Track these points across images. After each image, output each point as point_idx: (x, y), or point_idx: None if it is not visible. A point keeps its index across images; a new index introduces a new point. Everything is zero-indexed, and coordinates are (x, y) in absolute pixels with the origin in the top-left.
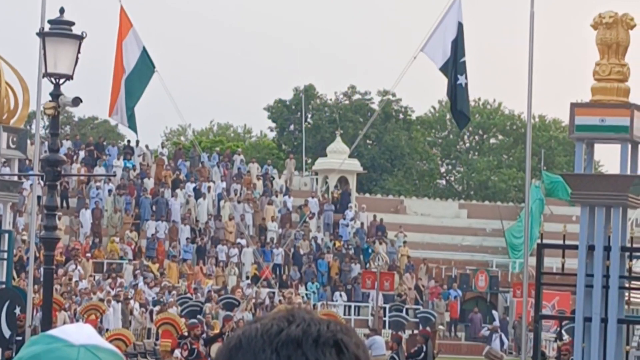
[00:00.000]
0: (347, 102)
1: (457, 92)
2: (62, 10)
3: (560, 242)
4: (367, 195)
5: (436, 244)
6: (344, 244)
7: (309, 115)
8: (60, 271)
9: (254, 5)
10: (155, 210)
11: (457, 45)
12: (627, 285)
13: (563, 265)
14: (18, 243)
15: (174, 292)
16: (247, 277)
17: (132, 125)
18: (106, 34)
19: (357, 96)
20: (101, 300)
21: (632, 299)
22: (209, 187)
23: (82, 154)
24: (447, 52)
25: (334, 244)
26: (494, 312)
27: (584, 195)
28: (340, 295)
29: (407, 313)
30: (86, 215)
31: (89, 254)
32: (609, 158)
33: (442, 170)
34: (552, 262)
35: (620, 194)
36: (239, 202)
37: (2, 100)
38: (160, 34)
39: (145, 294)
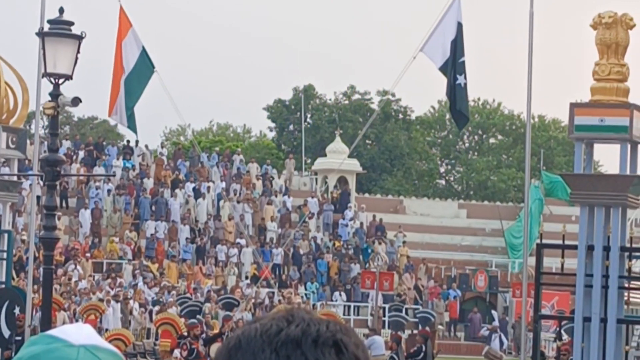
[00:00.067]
0: (346, 102)
1: (456, 92)
2: (61, 10)
3: (560, 242)
4: (367, 195)
5: (435, 244)
6: (344, 244)
7: (309, 115)
8: (60, 271)
9: (253, 5)
10: (155, 210)
11: (457, 45)
12: (626, 285)
13: (562, 265)
14: (17, 243)
15: (173, 292)
16: (247, 277)
17: (132, 126)
18: (106, 34)
19: (356, 96)
20: (100, 300)
21: (631, 299)
22: (209, 187)
23: (81, 154)
24: (446, 52)
25: (334, 244)
26: (493, 312)
27: (583, 195)
28: (340, 295)
29: (406, 313)
30: (85, 215)
31: (88, 254)
32: (608, 158)
33: (442, 170)
34: (551, 262)
35: (620, 194)
36: (238, 202)
37: (2, 100)
38: (159, 34)
39: (144, 294)
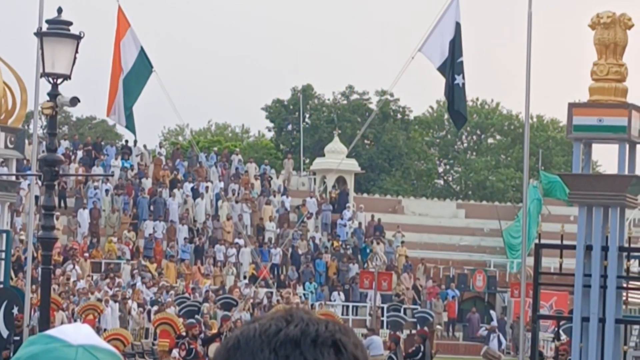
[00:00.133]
0: (345, 102)
1: (454, 92)
2: (59, 10)
3: (558, 242)
4: (365, 195)
5: (434, 244)
6: (342, 244)
7: (307, 115)
8: (58, 271)
9: (252, 5)
10: (153, 210)
11: (455, 46)
12: (624, 285)
13: (561, 265)
14: (16, 243)
15: (171, 292)
16: (245, 277)
17: (131, 126)
18: (104, 34)
19: (355, 96)
20: (99, 300)
21: (629, 299)
22: (207, 187)
23: (80, 153)
24: (444, 52)
25: (332, 244)
26: (491, 312)
27: (581, 195)
28: (338, 295)
29: (405, 313)
30: (84, 215)
31: (86, 254)
32: (606, 158)
33: (440, 170)
34: (549, 262)
35: (618, 194)
36: (236, 202)
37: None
38: (158, 33)
39: (143, 294)
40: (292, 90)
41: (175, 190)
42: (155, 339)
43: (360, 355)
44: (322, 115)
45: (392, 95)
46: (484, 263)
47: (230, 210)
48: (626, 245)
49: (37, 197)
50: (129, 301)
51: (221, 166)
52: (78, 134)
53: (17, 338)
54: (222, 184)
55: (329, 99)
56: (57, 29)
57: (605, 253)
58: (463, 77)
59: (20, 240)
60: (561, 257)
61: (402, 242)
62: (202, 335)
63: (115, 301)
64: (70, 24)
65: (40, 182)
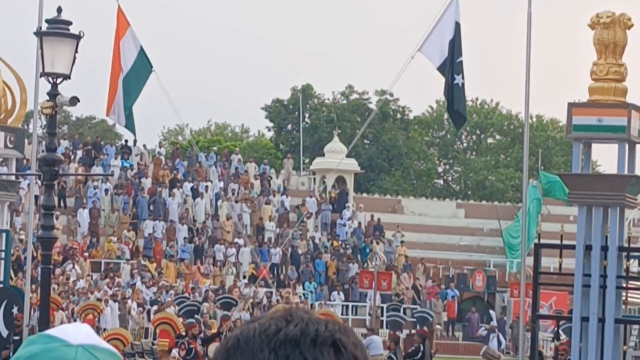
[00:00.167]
0: (344, 101)
1: (454, 92)
2: (59, 10)
3: (558, 242)
4: (365, 195)
5: (434, 243)
6: (342, 244)
7: (307, 115)
8: (58, 271)
9: (251, 5)
10: (153, 210)
11: (454, 45)
12: (624, 285)
13: (560, 265)
14: (15, 242)
15: (171, 291)
16: (245, 277)
17: (130, 125)
18: (104, 34)
19: (354, 96)
20: (99, 299)
21: (629, 299)
22: (207, 187)
23: (79, 153)
24: (444, 52)
25: (332, 244)
26: (491, 311)
27: (581, 195)
28: (338, 295)
29: (404, 313)
30: (84, 215)
31: (86, 254)
32: (606, 158)
33: (440, 170)
34: (549, 262)
35: (618, 194)
36: (236, 201)
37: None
38: (157, 33)
39: (142, 294)
40: (291, 90)
41: (175, 190)
42: (154, 339)
43: (360, 355)
44: (321, 115)
45: (391, 95)
46: (484, 263)
47: (230, 210)
48: (626, 245)
49: (36, 197)
50: (129, 301)
51: (221, 166)
52: (78, 134)
53: (16, 338)
54: (221, 184)
55: (328, 99)
56: (57, 29)
57: (604, 253)
58: (462, 77)
59: (19, 240)
60: (561, 257)
61: (402, 242)
62: (201, 335)
63: (115, 301)
64: (70, 23)
65: (39, 182)
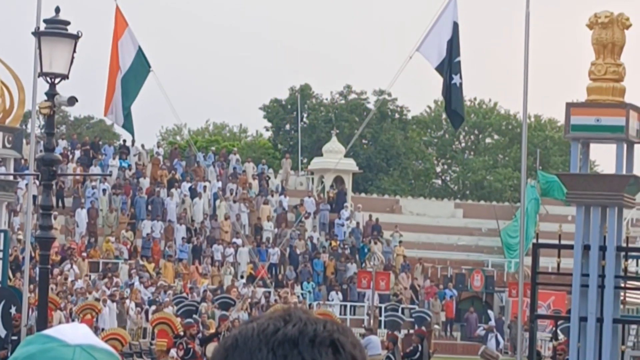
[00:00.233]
0: (342, 101)
1: (451, 92)
2: (57, 10)
3: (556, 241)
4: (363, 194)
5: (432, 243)
6: (340, 244)
7: (305, 115)
8: (56, 271)
9: (250, 5)
10: (151, 210)
11: (452, 45)
12: (622, 285)
13: (559, 265)
14: (13, 242)
15: (169, 291)
16: (243, 277)
17: (129, 126)
18: (102, 34)
19: (353, 96)
20: (97, 299)
21: (627, 299)
22: (205, 187)
23: (77, 153)
24: (442, 52)
25: (330, 244)
26: (489, 311)
27: (579, 195)
28: (336, 295)
29: (402, 313)
30: (82, 215)
31: (84, 254)
32: (604, 158)
33: (438, 170)
34: (547, 262)
35: (616, 193)
36: (234, 201)
37: None
38: (156, 33)
39: (141, 294)
40: (290, 90)
41: (173, 190)
42: (153, 339)
43: (358, 355)
44: (320, 115)
45: (390, 95)
46: (482, 263)
47: (228, 210)
48: (624, 245)
49: (34, 197)
50: (127, 301)
51: (219, 166)
52: (76, 134)
53: (14, 338)
54: (219, 184)
55: (326, 99)
56: (55, 29)
57: (603, 253)
58: (460, 77)
59: (18, 240)
60: (559, 256)
61: (400, 242)
62: (200, 335)
63: (113, 301)
64: (68, 23)
65: (38, 182)
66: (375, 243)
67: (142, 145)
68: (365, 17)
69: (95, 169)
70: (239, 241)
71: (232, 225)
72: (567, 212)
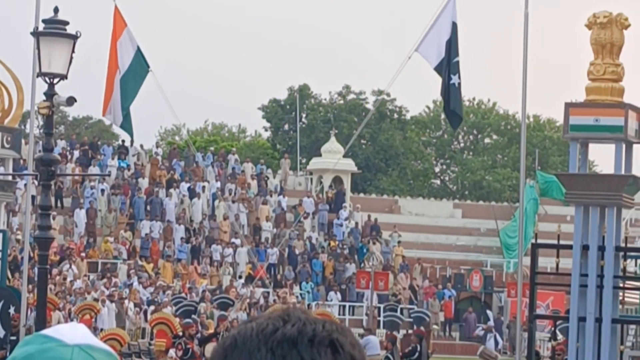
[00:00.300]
0: (341, 101)
1: (450, 92)
2: (56, 10)
3: (555, 241)
4: (362, 195)
5: (430, 243)
6: (339, 244)
7: (304, 115)
8: (55, 271)
9: (249, 5)
10: (150, 210)
11: (451, 45)
12: (621, 285)
13: (557, 265)
14: (12, 243)
15: (168, 291)
16: (242, 277)
17: (127, 126)
18: (101, 34)
19: (351, 96)
20: (95, 300)
21: (626, 299)
22: (204, 187)
23: (76, 153)
24: (441, 52)
25: (329, 244)
26: (488, 311)
27: (578, 195)
28: (335, 295)
29: (401, 313)
30: (80, 215)
31: (83, 254)
32: (603, 158)
33: (437, 170)
34: (546, 262)
35: (615, 193)
36: (233, 201)
37: None
38: (154, 33)
39: (139, 294)
40: (288, 90)
41: (172, 190)
42: (151, 339)
43: (357, 355)
44: (318, 115)
45: (388, 95)
46: (481, 263)
47: (227, 210)
48: (623, 245)
49: (33, 197)
50: (126, 301)
51: (218, 166)
52: (75, 134)
53: (13, 338)
54: (218, 184)
55: (325, 99)
56: (54, 29)
57: (601, 253)
58: (459, 77)
59: (16, 240)
60: (558, 256)
61: (399, 242)
62: (198, 335)
63: (112, 301)
64: (67, 23)
65: (36, 182)
66: (374, 243)
67: (141, 146)
68: (364, 16)
69: (94, 169)
70: (237, 241)
71: (230, 225)
72: (566, 212)
